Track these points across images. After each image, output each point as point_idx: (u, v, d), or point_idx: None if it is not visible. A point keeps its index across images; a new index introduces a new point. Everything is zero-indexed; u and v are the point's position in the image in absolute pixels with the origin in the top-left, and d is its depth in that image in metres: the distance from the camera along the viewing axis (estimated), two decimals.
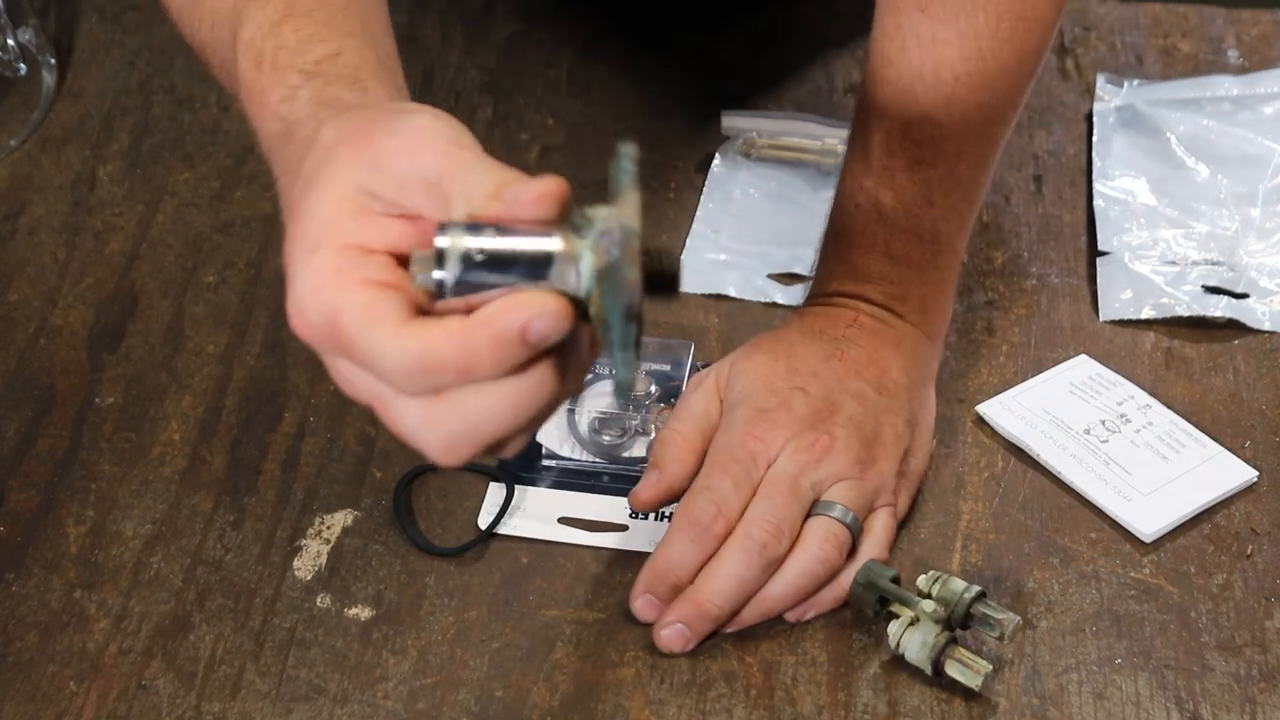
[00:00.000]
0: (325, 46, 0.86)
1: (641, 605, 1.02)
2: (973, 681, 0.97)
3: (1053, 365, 1.15)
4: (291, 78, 0.85)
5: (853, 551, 1.03)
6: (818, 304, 1.11)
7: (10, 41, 1.34)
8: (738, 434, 1.04)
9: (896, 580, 1.00)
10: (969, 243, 1.22)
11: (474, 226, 0.75)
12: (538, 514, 1.08)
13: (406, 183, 0.77)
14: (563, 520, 1.07)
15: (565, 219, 0.75)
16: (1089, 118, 1.31)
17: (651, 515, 1.07)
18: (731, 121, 1.29)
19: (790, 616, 1.02)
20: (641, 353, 0.75)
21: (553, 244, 0.75)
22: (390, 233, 0.77)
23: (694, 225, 1.24)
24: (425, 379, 0.76)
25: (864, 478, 1.04)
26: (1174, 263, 1.21)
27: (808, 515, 1.03)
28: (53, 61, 1.35)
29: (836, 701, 0.99)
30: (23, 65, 1.35)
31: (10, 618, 1.03)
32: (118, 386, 1.15)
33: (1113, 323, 1.18)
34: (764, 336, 1.10)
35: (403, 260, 0.77)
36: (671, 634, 1.01)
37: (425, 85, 1.34)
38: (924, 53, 1.07)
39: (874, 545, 1.03)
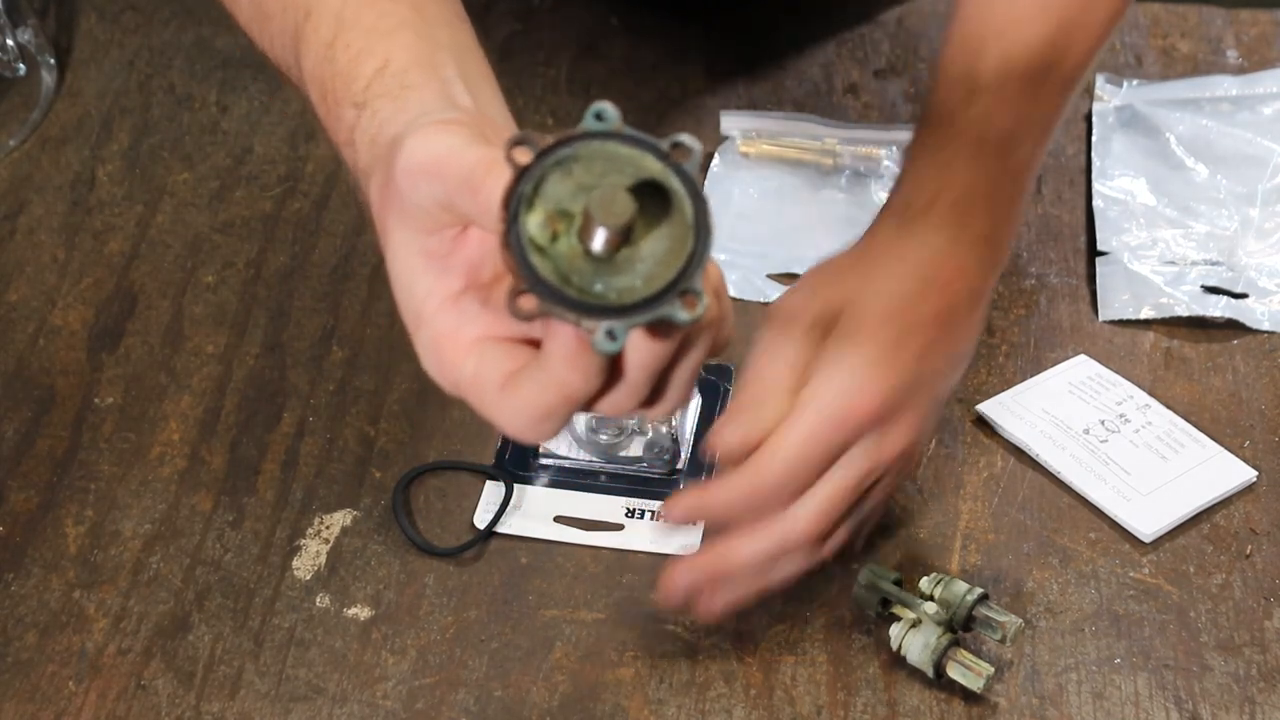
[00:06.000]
0: (373, 61, 0.87)
1: (683, 511, 0.99)
2: (974, 684, 0.97)
3: (1052, 365, 1.15)
4: (346, 114, 0.87)
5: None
6: (926, 224, 1.02)
7: (9, 41, 1.34)
8: (834, 407, 0.96)
9: (899, 582, 1.00)
10: None
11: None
12: (535, 513, 1.08)
13: (433, 213, 0.79)
14: (558, 519, 1.07)
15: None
16: (1088, 118, 1.31)
17: (647, 515, 1.07)
18: (730, 121, 1.29)
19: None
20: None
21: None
22: (461, 265, 0.80)
23: None
24: (542, 427, 0.79)
25: (902, 470, 1.01)
26: (1173, 263, 1.21)
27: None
28: (52, 61, 1.35)
29: (836, 701, 0.99)
30: (22, 65, 1.35)
31: (9, 618, 1.03)
32: (117, 387, 1.15)
33: (1112, 323, 1.18)
34: (885, 263, 1.01)
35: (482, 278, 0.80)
36: (717, 604, 0.98)
37: None
38: None
39: (875, 509, 0.99)
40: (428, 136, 0.80)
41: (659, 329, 0.77)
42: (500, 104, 0.88)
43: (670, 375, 0.79)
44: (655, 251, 0.76)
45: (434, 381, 0.81)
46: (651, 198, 0.76)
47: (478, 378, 0.79)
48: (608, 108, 0.76)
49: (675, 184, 0.76)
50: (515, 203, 0.75)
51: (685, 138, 0.76)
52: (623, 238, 0.75)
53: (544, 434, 0.79)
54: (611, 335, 0.75)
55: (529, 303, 0.75)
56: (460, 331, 0.80)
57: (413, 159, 0.79)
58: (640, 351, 0.77)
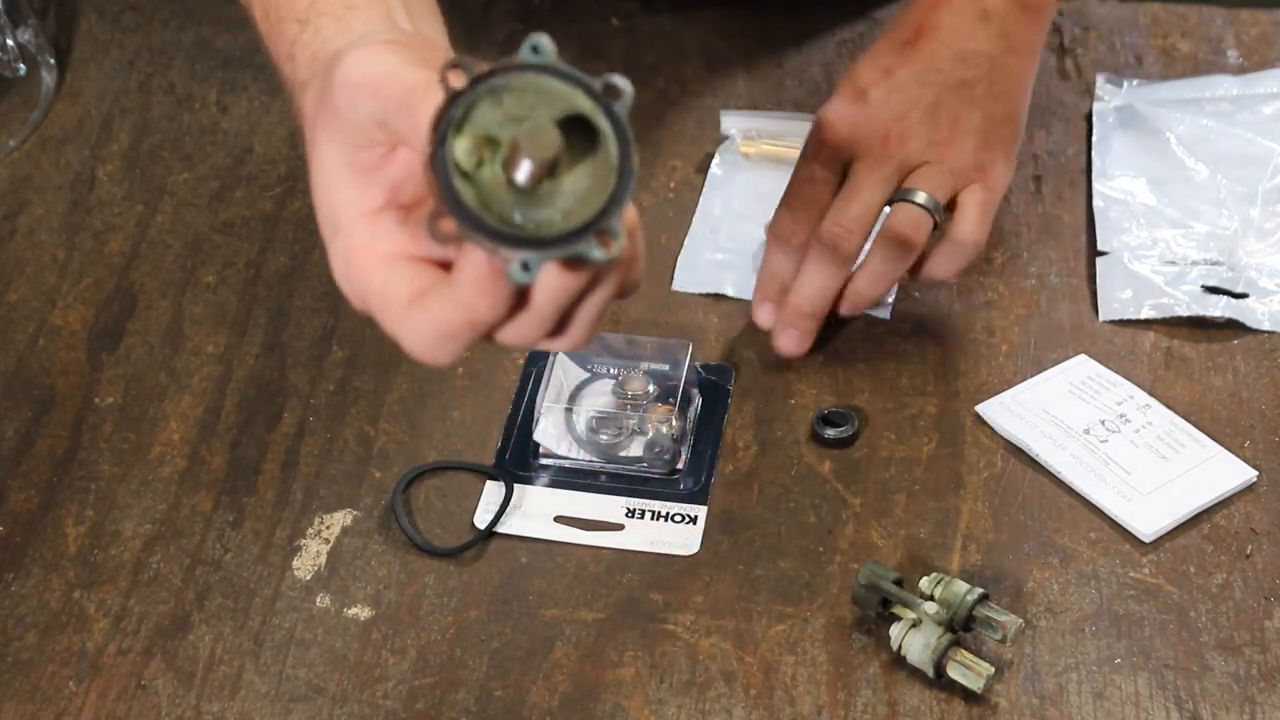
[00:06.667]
0: None
1: (761, 313, 1.15)
2: (975, 684, 0.97)
3: (1052, 365, 1.15)
4: (289, 29, 0.88)
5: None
6: None
7: (10, 41, 1.34)
8: (810, 145, 1.12)
9: (899, 582, 1.00)
10: None
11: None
12: (535, 513, 1.08)
13: (366, 129, 0.81)
14: (558, 519, 1.07)
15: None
16: (1089, 118, 1.31)
17: (647, 515, 1.07)
18: (730, 121, 1.29)
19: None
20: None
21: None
22: (384, 183, 0.82)
23: (693, 225, 1.24)
24: (443, 348, 0.81)
25: (942, 159, 1.10)
26: (1173, 262, 1.21)
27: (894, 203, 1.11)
28: (52, 61, 1.35)
29: (836, 701, 0.99)
30: (22, 65, 1.35)
31: (10, 618, 1.03)
32: (117, 387, 1.15)
33: (1112, 322, 1.18)
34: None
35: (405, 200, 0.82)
36: (787, 340, 1.13)
37: None
38: None
39: (964, 224, 1.10)
40: (369, 54, 0.81)
41: (573, 264, 0.78)
42: (441, 30, 0.90)
43: (576, 310, 0.81)
44: (577, 188, 0.77)
45: (343, 294, 0.82)
46: (579, 135, 0.77)
47: (385, 291, 0.81)
48: (544, 41, 0.77)
49: (603, 124, 0.76)
50: (444, 126, 0.76)
51: (617, 78, 0.76)
52: (547, 171, 0.76)
53: (444, 355, 0.81)
54: (526, 267, 0.76)
55: (448, 226, 0.76)
56: (375, 245, 0.81)
57: (352, 75, 0.80)
58: (551, 284, 0.79)
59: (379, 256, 0.81)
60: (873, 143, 1.11)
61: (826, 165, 1.13)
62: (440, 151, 0.76)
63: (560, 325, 0.81)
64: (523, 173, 0.76)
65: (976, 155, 1.12)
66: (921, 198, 1.10)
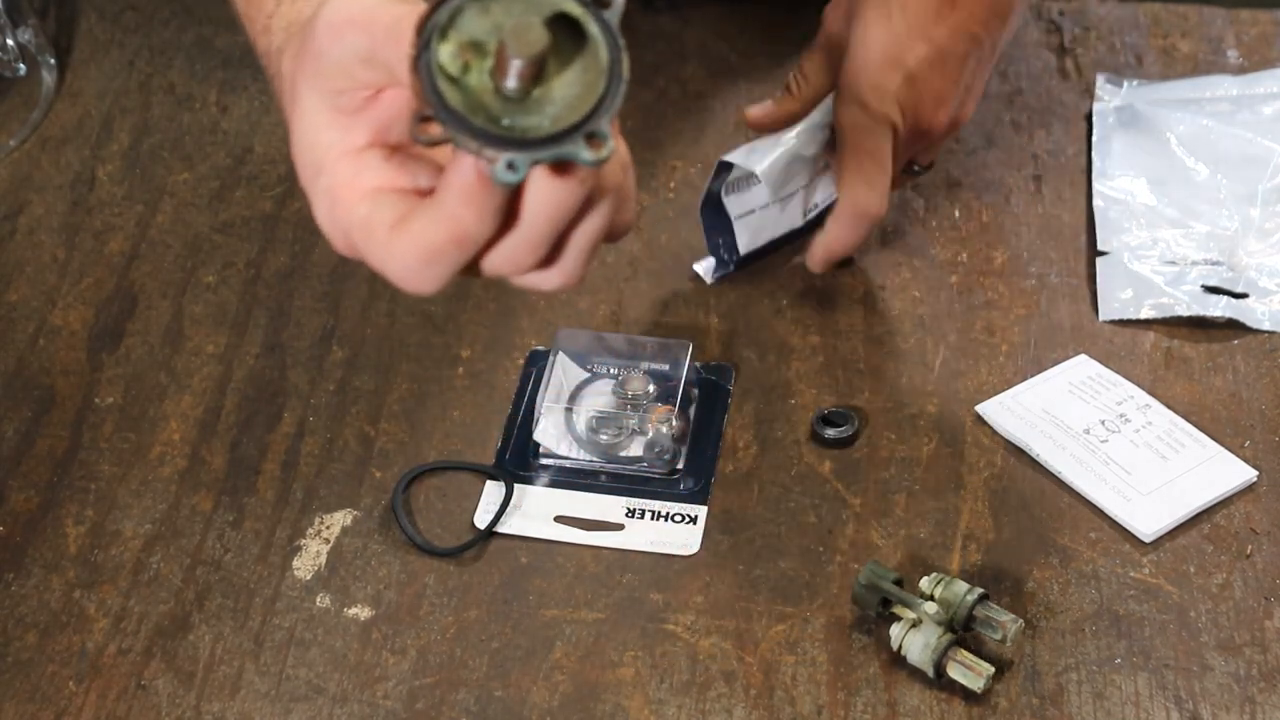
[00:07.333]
0: None
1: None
2: (975, 684, 0.97)
3: (1052, 365, 1.15)
4: (266, 4, 0.88)
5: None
6: None
7: (10, 41, 1.34)
8: (845, 109, 1.14)
9: (899, 582, 1.00)
10: (969, 243, 1.22)
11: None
12: (535, 513, 1.08)
13: (349, 68, 0.80)
14: (559, 519, 1.07)
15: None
16: (1089, 118, 1.31)
17: (647, 515, 1.07)
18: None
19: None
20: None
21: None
22: (368, 124, 0.81)
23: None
24: (429, 272, 0.79)
25: (953, 130, 1.15)
26: (1173, 262, 1.21)
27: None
28: (52, 61, 1.35)
29: (836, 701, 0.99)
30: (22, 65, 1.35)
31: (10, 618, 1.03)
32: (117, 387, 1.15)
33: (1112, 322, 1.18)
34: None
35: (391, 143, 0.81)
36: None
37: None
38: None
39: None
40: None
41: (561, 169, 0.76)
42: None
43: (568, 239, 0.80)
44: (566, 96, 0.76)
45: (328, 239, 0.81)
46: (569, 42, 0.76)
47: (369, 221, 0.79)
48: None
49: (593, 29, 0.76)
50: (429, 29, 0.75)
51: None
52: (535, 71, 0.75)
53: (430, 281, 0.79)
54: (512, 166, 0.75)
55: (433, 128, 0.75)
56: (358, 179, 0.80)
57: (337, 14, 0.80)
58: (540, 193, 0.77)
59: (362, 190, 0.80)
60: (911, 121, 1.13)
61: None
62: (425, 54, 0.75)
63: (551, 255, 0.80)
64: (512, 75, 0.74)
65: (969, 110, 1.15)
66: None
